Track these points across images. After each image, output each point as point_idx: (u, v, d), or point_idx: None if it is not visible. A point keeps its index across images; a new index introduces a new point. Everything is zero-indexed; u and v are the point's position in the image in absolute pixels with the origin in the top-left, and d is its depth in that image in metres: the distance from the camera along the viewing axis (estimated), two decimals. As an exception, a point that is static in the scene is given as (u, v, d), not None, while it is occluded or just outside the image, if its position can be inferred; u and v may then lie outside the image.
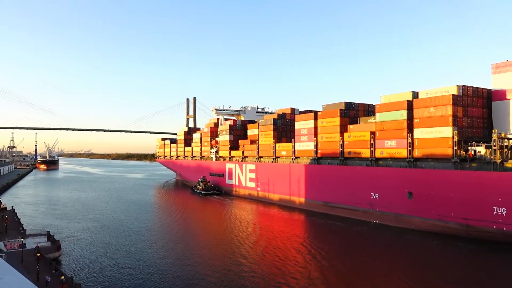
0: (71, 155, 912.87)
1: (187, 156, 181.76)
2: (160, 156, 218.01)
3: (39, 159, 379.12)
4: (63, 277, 39.62)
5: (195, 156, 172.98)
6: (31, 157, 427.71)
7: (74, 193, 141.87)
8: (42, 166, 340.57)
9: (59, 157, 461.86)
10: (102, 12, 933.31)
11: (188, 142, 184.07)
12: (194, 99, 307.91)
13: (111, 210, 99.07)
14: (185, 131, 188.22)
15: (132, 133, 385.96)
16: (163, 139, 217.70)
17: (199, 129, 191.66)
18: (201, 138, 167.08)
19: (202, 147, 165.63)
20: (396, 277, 46.68)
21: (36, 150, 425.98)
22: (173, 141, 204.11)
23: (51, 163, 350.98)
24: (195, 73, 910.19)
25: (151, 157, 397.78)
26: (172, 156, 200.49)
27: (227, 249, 59.77)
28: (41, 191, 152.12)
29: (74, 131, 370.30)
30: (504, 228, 60.45)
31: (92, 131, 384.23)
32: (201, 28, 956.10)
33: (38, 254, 43.25)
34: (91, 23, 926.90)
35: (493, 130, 64.95)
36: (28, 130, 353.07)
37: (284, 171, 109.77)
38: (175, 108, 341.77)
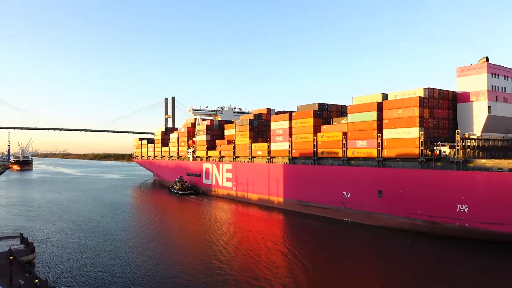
0: (46, 155, 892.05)
1: (164, 156, 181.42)
2: (137, 156, 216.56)
3: (12, 159, 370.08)
4: (37, 280, 39.75)
5: (172, 156, 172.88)
6: (3, 157, 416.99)
7: (49, 194, 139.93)
8: (15, 167, 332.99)
9: (33, 158, 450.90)
10: (80, 10, 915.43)
11: (165, 142, 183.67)
12: (173, 98, 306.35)
13: (87, 211, 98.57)
14: (162, 131, 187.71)
15: (110, 132, 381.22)
16: (141, 139, 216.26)
17: (176, 129, 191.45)
18: (178, 138, 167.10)
19: (179, 147, 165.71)
20: (371, 276, 48.19)
21: (9, 150, 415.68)
22: (150, 141, 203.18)
23: (25, 164, 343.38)
24: (175, 73, 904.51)
25: (129, 157, 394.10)
26: (149, 156, 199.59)
27: (202, 249, 60.60)
28: (14, 192, 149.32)
29: (49, 130, 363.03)
30: (466, 225, 63.58)
31: (68, 131, 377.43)
32: (181, 28, 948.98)
33: (11, 257, 42.91)
34: (66, 20, 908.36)
35: (456, 131, 68.13)
36: (1, 129, 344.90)
37: (260, 171, 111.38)
38: (154, 108, 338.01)
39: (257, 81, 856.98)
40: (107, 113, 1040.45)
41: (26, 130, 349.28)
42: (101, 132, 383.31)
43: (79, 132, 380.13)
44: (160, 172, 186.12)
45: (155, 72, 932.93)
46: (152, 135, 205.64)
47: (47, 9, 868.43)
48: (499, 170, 61.74)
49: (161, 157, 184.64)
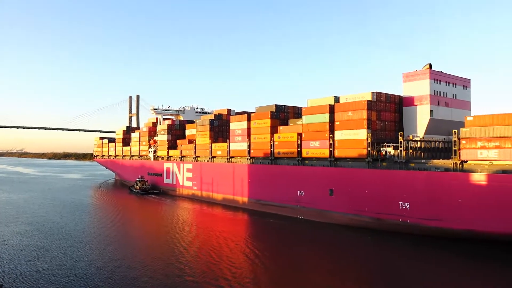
0: (1, 154, 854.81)
1: (125, 156, 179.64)
2: (98, 155, 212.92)
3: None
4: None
5: (133, 156, 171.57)
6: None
7: (4, 195, 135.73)
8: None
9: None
10: (35, 2, 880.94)
11: (126, 141, 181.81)
12: (137, 97, 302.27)
13: (44, 212, 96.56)
14: (123, 130, 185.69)
15: (70, 131, 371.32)
16: (101, 138, 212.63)
17: (138, 128, 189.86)
18: (139, 137, 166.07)
19: (141, 147, 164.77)
20: (325, 272, 49.95)
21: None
22: (112, 140, 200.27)
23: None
24: (140, 71, 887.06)
25: (90, 156, 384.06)
26: (111, 155, 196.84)
27: (162, 250, 60.22)
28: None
29: (5, 128, 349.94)
30: (408, 221, 68.00)
31: (26, 129, 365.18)
32: (144, 24, 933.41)
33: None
34: (21, 12, 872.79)
35: (399, 133, 72.61)
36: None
37: (223, 170, 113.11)
38: (118, 106, 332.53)
39: (221, 80, 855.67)
40: (68, 111, 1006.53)
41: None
42: (62, 131, 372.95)
43: (37, 130, 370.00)
44: (122, 171, 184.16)
45: (120, 69, 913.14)
46: (115, 134, 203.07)
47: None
48: (436, 170, 66.54)
49: (122, 157, 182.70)
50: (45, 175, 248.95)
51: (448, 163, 65.55)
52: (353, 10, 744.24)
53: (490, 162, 60.18)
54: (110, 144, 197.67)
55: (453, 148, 64.25)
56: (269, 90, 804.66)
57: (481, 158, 60.87)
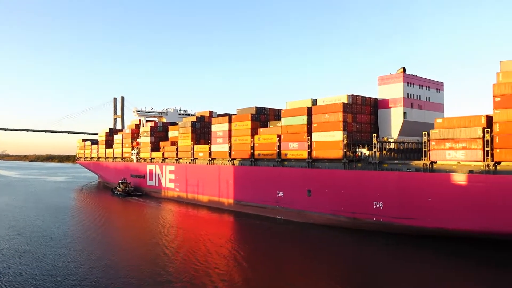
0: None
1: (108, 158, 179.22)
2: (81, 158, 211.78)
3: None
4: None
5: (116, 158, 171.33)
6: None
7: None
8: None
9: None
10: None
11: (109, 143, 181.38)
12: (122, 98, 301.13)
13: (26, 215, 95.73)
14: (106, 132, 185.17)
15: (54, 133, 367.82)
16: (84, 140, 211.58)
17: (121, 130, 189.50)
18: (122, 139, 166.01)
19: (124, 149, 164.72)
20: (306, 274, 50.41)
21: None
22: (94, 142, 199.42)
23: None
24: (125, 72, 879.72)
25: (74, 158, 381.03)
26: (93, 157, 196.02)
27: (141, 253, 59.94)
28: None
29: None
30: (381, 220, 70.20)
31: (7, 131, 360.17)
32: (129, 26, 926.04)
33: None
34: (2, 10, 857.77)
35: (373, 135, 74.88)
36: None
37: (204, 172, 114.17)
38: (103, 108, 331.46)
39: (205, 81, 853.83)
40: (52, 112, 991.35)
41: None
42: (45, 132, 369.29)
43: (19, 132, 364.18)
44: (105, 174, 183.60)
45: (105, 70, 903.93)
46: (97, 136, 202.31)
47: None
48: (408, 170, 68.94)
49: (105, 159, 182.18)
50: (27, 178, 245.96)
51: (419, 163, 67.97)
52: (330, 12, 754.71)
53: (458, 163, 62.72)
54: (93, 146, 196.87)
55: (423, 149, 66.69)
56: (253, 91, 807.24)
57: (449, 159, 63.39)
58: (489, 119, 60.15)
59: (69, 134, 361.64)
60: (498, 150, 57.75)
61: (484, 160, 59.23)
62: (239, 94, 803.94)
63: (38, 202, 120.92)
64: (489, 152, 58.81)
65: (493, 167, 58.82)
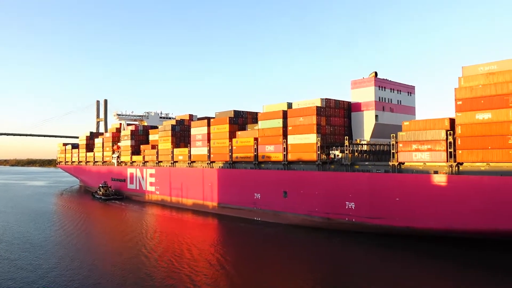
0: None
1: (89, 162, 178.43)
2: (62, 162, 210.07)
3: None
4: None
5: (97, 162, 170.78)
6: None
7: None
8: None
9: None
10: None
11: (90, 147, 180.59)
12: (105, 101, 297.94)
13: (5, 221, 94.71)
14: (87, 136, 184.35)
15: (34, 137, 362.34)
16: (65, 144, 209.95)
17: (102, 134, 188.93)
18: (103, 143, 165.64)
19: (104, 152, 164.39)
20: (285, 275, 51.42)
21: None
22: (75, 146, 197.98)
23: None
24: (108, 76, 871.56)
25: (56, 163, 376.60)
26: (74, 161, 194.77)
27: (123, 259, 59.44)
28: None
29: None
30: (353, 220, 72.38)
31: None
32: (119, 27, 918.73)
33: None
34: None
35: (345, 137, 77.18)
36: None
37: (185, 175, 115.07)
38: (85, 111, 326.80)
39: (186, 87, 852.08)
40: (33, 116, 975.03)
41: None
42: (25, 136, 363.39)
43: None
44: (85, 178, 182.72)
45: (88, 73, 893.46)
46: (78, 140, 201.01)
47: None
48: (377, 171, 71.35)
49: (86, 163, 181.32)
50: (6, 183, 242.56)
51: (388, 164, 70.45)
52: (300, 14, 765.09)
53: (424, 164, 65.35)
54: (73, 150, 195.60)
55: (392, 151, 69.19)
56: (236, 94, 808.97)
57: (416, 160, 65.98)
58: (452, 121, 62.88)
59: (51, 138, 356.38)
60: (460, 152, 60.44)
61: (447, 161, 61.91)
62: (220, 97, 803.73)
63: (18, 208, 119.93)
64: (452, 153, 61.50)
65: (456, 168, 61.53)
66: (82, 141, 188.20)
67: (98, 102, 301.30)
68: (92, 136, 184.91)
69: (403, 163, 68.20)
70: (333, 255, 62.48)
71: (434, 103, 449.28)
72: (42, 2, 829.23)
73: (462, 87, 62.03)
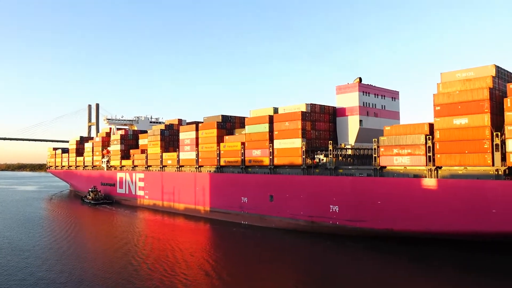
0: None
1: (79, 166, 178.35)
2: (52, 166, 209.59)
3: None
4: None
5: (87, 166, 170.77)
6: None
7: None
8: None
9: None
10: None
11: (80, 151, 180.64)
12: (97, 105, 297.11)
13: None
14: (77, 141, 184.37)
15: (25, 141, 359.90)
16: (55, 149, 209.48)
17: (92, 138, 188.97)
18: (93, 147, 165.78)
19: (94, 157, 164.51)
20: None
21: None
22: (65, 150, 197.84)
23: None
24: (100, 80, 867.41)
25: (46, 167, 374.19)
26: (64, 166, 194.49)
27: (111, 264, 59.33)
28: None
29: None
30: (337, 223, 73.61)
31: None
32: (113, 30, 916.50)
33: None
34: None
35: (329, 142, 78.54)
36: None
37: (177, 179, 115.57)
38: (77, 115, 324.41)
39: (177, 91, 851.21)
40: (23, 120, 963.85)
41: None
42: (16, 141, 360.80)
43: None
44: (75, 182, 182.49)
45: (80, 77, 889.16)
46: (68, 144, 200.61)
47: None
48: (360, 175, 72.73)
49: (75, 167, 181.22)
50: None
51: (370, 168, 71.87)
52: (280, 21, 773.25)
53: (404, 167, 66.83)
54: (63, 154, 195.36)
55: (374, 155, 70.63)
56: (224, 98, 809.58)
57: (396, 164, 67.46)
58: (431, 126, 64.42)
59: (42, 142, 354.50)
60: (439, 156, 61.99)
61: (427, 165, 63.41)
62: (210, 101, 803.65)
63: (6, 212, 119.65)
64: (431, 157, 63.03)
65: (435, 172, 63.03)
66: (72, 146, 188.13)
67: (90, 106, 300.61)
68: (82, 141, 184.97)
69: (385, 167, 69.63)
70: (324, 260, 63.18)
71: (419, 108, 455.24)
72: (32, 5, 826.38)
73: (440, 93, 63.74)
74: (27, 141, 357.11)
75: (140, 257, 62.35)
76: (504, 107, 56.47)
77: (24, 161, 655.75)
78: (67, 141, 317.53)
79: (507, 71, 66.12)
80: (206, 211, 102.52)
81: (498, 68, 62.98)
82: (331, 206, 74.52)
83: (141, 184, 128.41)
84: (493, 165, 56.60)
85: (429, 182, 61.88)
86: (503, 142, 56.17)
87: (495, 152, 56.46)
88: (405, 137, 66.46)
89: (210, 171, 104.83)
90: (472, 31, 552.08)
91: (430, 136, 63.47)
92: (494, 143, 56.49)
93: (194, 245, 71.58)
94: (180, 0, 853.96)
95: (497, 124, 58.21)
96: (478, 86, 60.33)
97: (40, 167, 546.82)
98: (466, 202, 57.29)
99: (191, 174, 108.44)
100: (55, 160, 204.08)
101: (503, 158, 56.10)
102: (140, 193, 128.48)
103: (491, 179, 56.56)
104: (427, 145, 63.38)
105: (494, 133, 56.60)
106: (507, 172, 56.28)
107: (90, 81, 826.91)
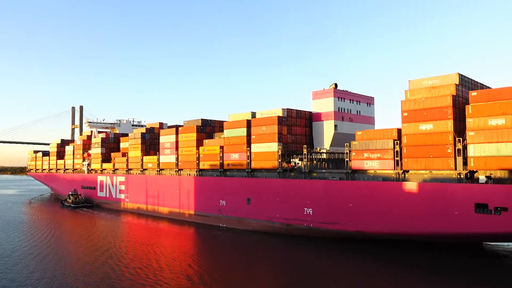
0: None
1: (60, 169, 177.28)
2: (32, 169, 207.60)
3: None
4: None
5: (68, 169, 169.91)
6: None
7: None
8: None
9: None
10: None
11: (61, 154, 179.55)
12: (81, 107, 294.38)
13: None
14: (58, 143, 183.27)
15: (5, 143, 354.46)
16: (35, 151, 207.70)
17: (73, 141, 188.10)
18: (73, 150, 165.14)
19: (75, 160, 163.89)
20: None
21: None
22: (46, 153, 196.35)
23: None
24: (84, 81, 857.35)
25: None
26: (44, 169, 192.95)
27: (90, 270, 58.57)
28: None
29: None
30: (311, 225, 75.59)
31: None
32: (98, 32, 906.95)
33: None
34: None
35: (304, 146, 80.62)
36: None
37: (159, 182, 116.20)
38: (60, 117, 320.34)
39: (161, 94, 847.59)
40: (4, 121, 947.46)
41: None
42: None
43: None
44: (56, 185, 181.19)
45: (64, 79, 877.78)
46: (49, 147, 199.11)
47: None
48: (333, 179, 74.93)
49: (56, 170, 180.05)
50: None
51: (343, 172, 74.11)
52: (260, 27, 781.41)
53: (374, 171, 69.24)
54: (44, 157, 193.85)
55: (346, 159, 72.90)
56: (206, 102, 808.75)
57: (367, 168, 69.84)
58: (399, 132, 66.96)
59: (23, 144, 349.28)
60: (406, 160, 64.55)
61: (395, 169, 65.91)
62: (192, 104, 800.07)
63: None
64: (399, 161, 65.55)
65: (402, 175, 65.57)
66: (53, 149, 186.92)
67: (73, 108, 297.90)
68: (63, 144, 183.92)
69: (356, 171, 71.93)
70: (293, 260, 65.03)
71: (394, 114, 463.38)
72: (19, 4, 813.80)
73: (408, 99, 66.39)
74: (8, 144, 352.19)
75: (121, 261, 62.39)
76: (466, 113, 59.26)
77: (5, 164, 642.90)
78: (49, 144, 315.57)
79: (470, 79, 69.23)
80: (190, 214, 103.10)
81: (461, 76, 65.97)
82: (305, 209, 76.46)
83: (122, 187, 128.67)
84: (455, 169, 59.31)
85: (396, 186, 64.32)
86: (465, 147, 58.93)
87: (457, 157, 59.18)
88: (375, 141, 68.90)
89: (189, 174, 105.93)
90: (453, 37, 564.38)
91: (398, 141, 65.97)
92: (457, 148, 59.23)
93: (176, 248, 72.60)
94: (158, 1, 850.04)
95: (460, 129, 60.99)
96: (443, 93, 63.10)
97: (21, 170, 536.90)
98: (430, 204, 59.82)
99: (176, 177, 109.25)
100: (35, 163, 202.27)
101: (465, 162, 58.85)
102: (121, 196, 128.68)
103: (454, 183, 59.25)
104: (395, 150, 65.89)
105: (457, 139, 59.34)
106: (468, 175, 59.06)
107: (73, 84, 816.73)
